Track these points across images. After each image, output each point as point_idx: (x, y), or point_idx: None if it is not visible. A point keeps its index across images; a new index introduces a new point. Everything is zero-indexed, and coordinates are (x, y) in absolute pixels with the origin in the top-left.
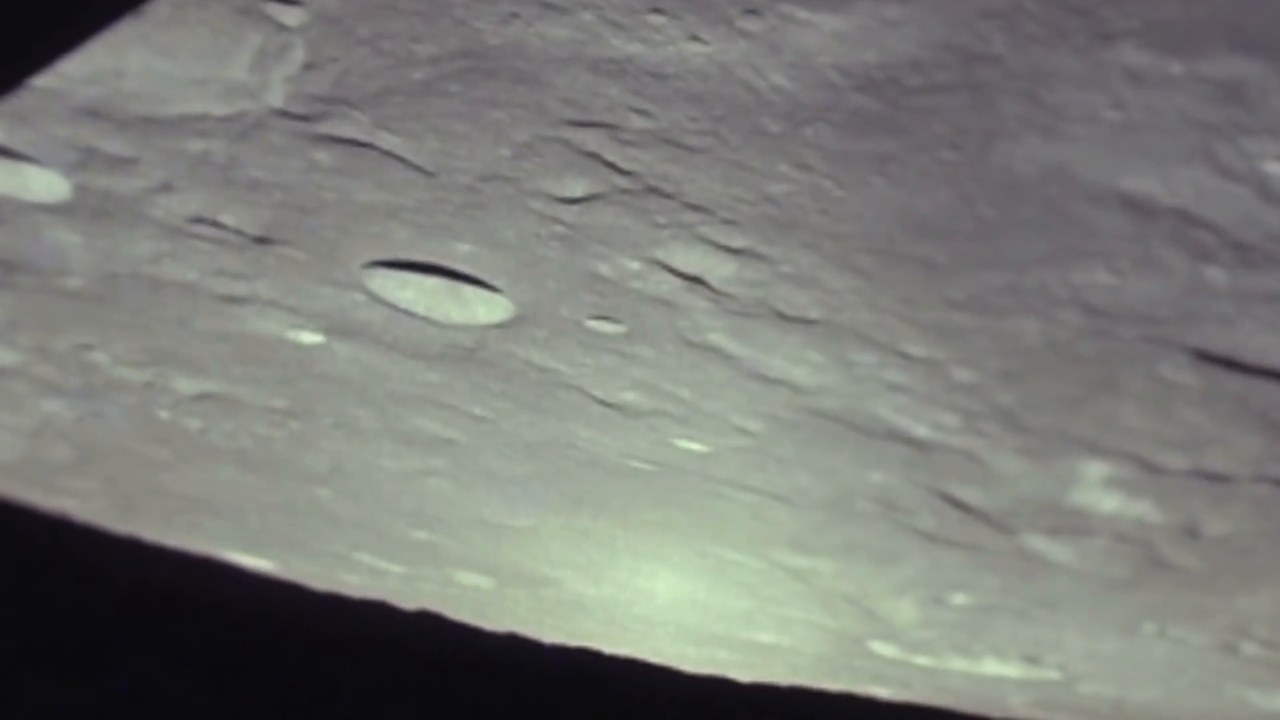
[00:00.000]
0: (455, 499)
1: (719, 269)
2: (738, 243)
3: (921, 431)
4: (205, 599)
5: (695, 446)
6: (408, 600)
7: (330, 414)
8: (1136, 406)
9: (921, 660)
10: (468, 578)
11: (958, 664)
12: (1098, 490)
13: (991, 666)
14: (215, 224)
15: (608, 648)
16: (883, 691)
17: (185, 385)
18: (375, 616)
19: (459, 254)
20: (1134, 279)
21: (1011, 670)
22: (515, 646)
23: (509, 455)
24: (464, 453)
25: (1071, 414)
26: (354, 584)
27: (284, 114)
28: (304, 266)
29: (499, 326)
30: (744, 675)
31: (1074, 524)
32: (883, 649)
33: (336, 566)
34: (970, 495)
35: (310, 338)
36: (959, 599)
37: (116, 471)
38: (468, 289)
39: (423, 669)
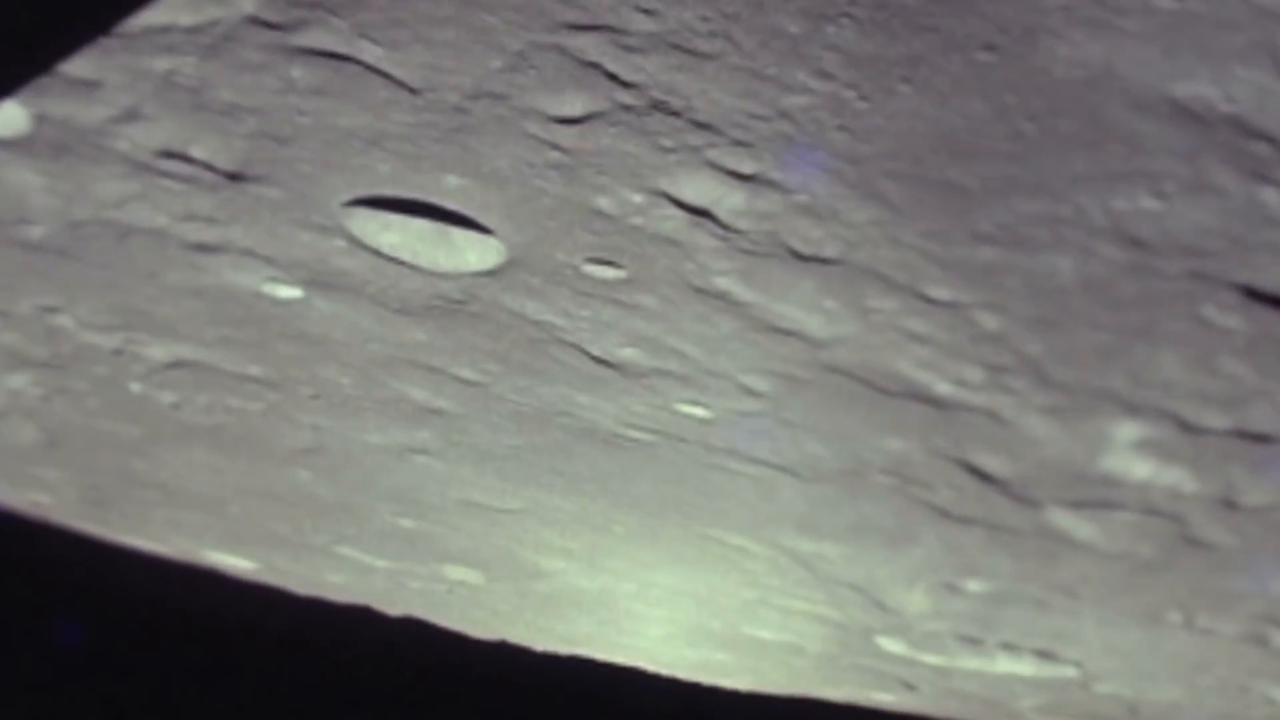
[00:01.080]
0: (443, 478)
1: (728, 199)
2: (748, 168)
3: (943, 389)
4: (189, 607)
5: (698, 411)
6: (394, 600)
7: (310, 382)
8: (1176, 356)
9: (931, 659)
10: (456, 572)
11: (969, 662)
12: (1129, 455)
13: (1004, 664)
14: (185, 158)
15: (602, 651)
16: (887, 697)
17: (157, 351)
18: (360, 623)
19: (448, 188)
20: (1181, 203)
21: (1025, 668)
22: (505, 655)
23: (499, 426)
24: (452, 425)
25: (1105, 366)
26: (338, 584)
27: (256, 22)
28: (280, 207)
29: (490, 274)
30: (743, 680)
31: (1102, 495)
32: (891, 645)
33: (321, 564)
34: (992, 463)
35: (288, 292)
36: (974, 586)
37: (88, 458)
38: (457, 232)
39: (409, 678)
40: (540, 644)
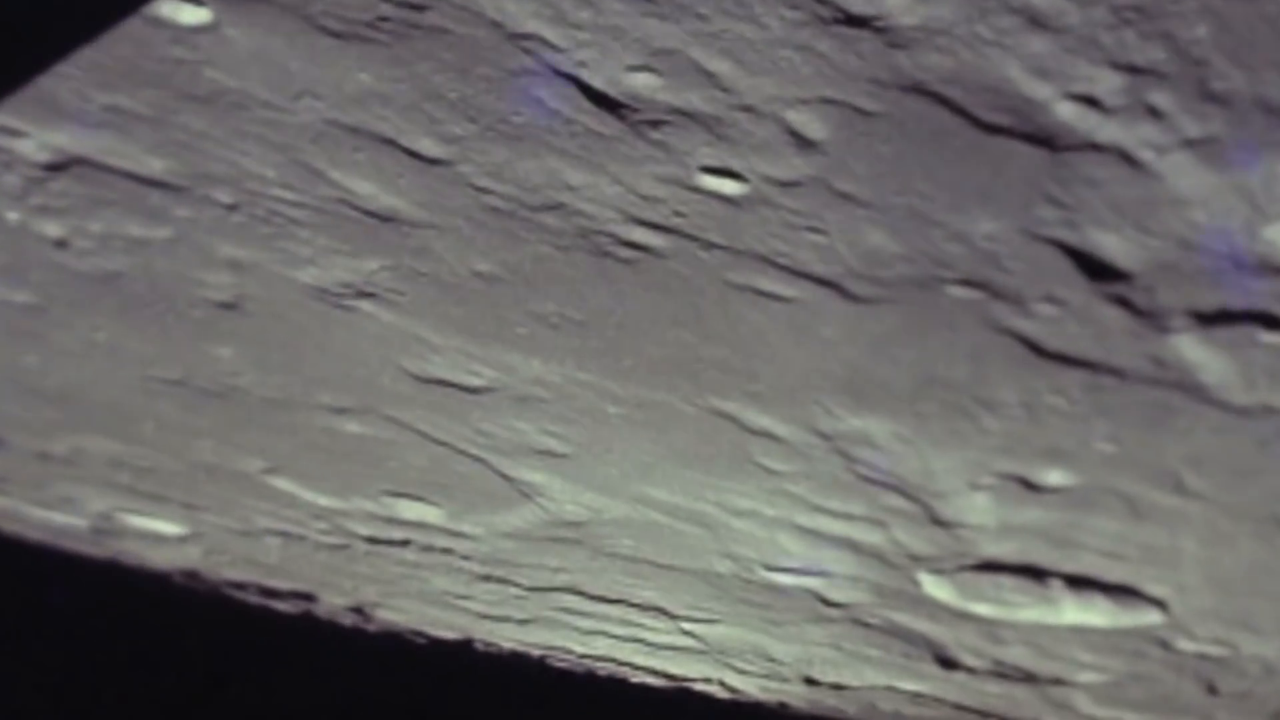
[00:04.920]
0: (395, 341)
1: None
2: None
3: (1063, 112)
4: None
5: (727, 186)
6: (340, 573)
7: (226, 180)
8: None
9: (981, 609)
10: (411, 510)
11: (1028, 612)
12: None
13: (1072, 613)
14: None
15: (587, 598)
16: (915, 686)
17: (30, 147)
18: (303, 627)
19: None
20: None
21: (1098, 615)
22: (468, 657)
23: (467, 240)
24: (407, 243)
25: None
26: (272, 555)
27: None
28: None
29: None
30: (747, 669)
31: (1253, 300)
32: (936, 589)
33: (252, 516)
34: (1111, 246)
35: (194, 14)
36: (1055, 477)
37: None
38: None
39: (359, 687)
40: (508, 635)
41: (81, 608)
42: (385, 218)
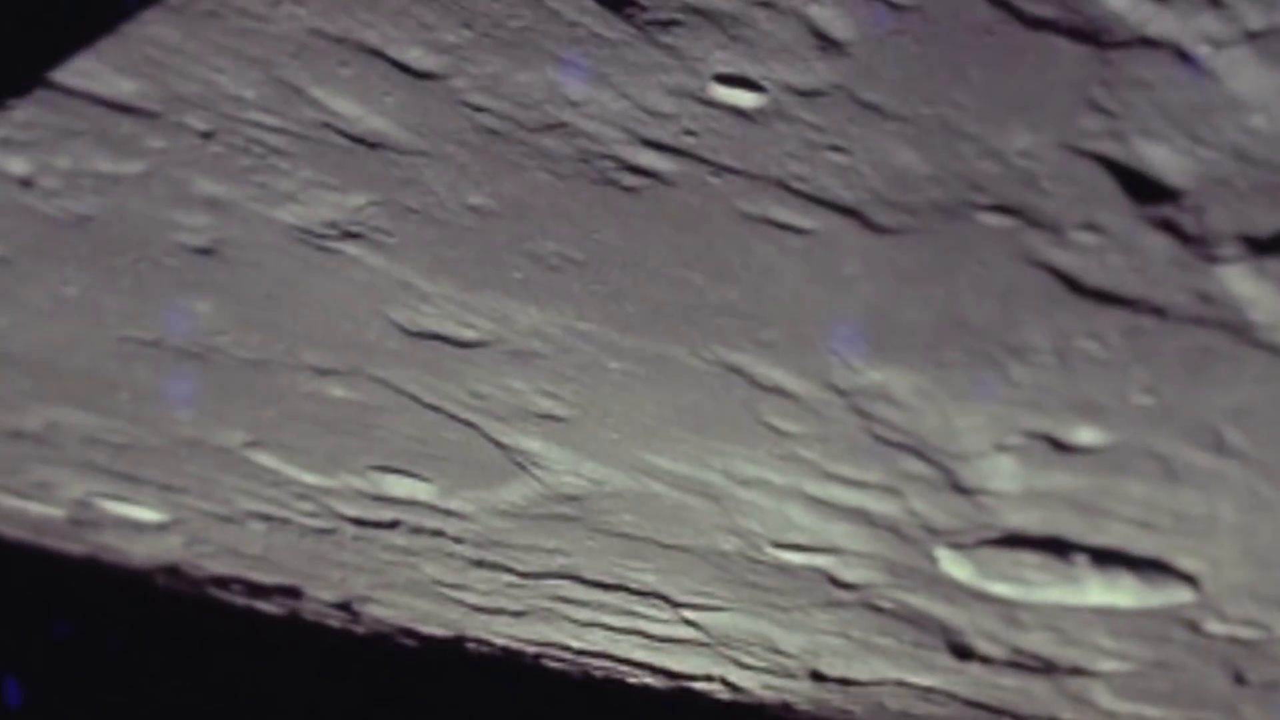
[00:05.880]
0: (383, 290)
1: None
2: None
3: (1115, 0)
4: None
5: (743, 97)
6: (328, 561)
7: (201, 103)
8: None
9: (1001, 589)
10: (399, 486)
11: (1049, 592)
12: None
13: (1097, 592)
14: None
15: (584, 584)
16: (926, 680)
17: None
18: (289, 620)
19: None
20: None
21: (1125, 595)
22: (461, 656)
23: (460, 168)
24: (395, 174)
25: None
26: (256, 543)
27: None
28: None
29: None
30: (749, 662)
31: None
32: (955, 567)
33: (234, 498)
34: (1160, 159)
35: None
36: (1087, 436)
37: None
38: None
39: (346, 686)
40: (502, 630)
41: (68, 616)
42: (372, 144)
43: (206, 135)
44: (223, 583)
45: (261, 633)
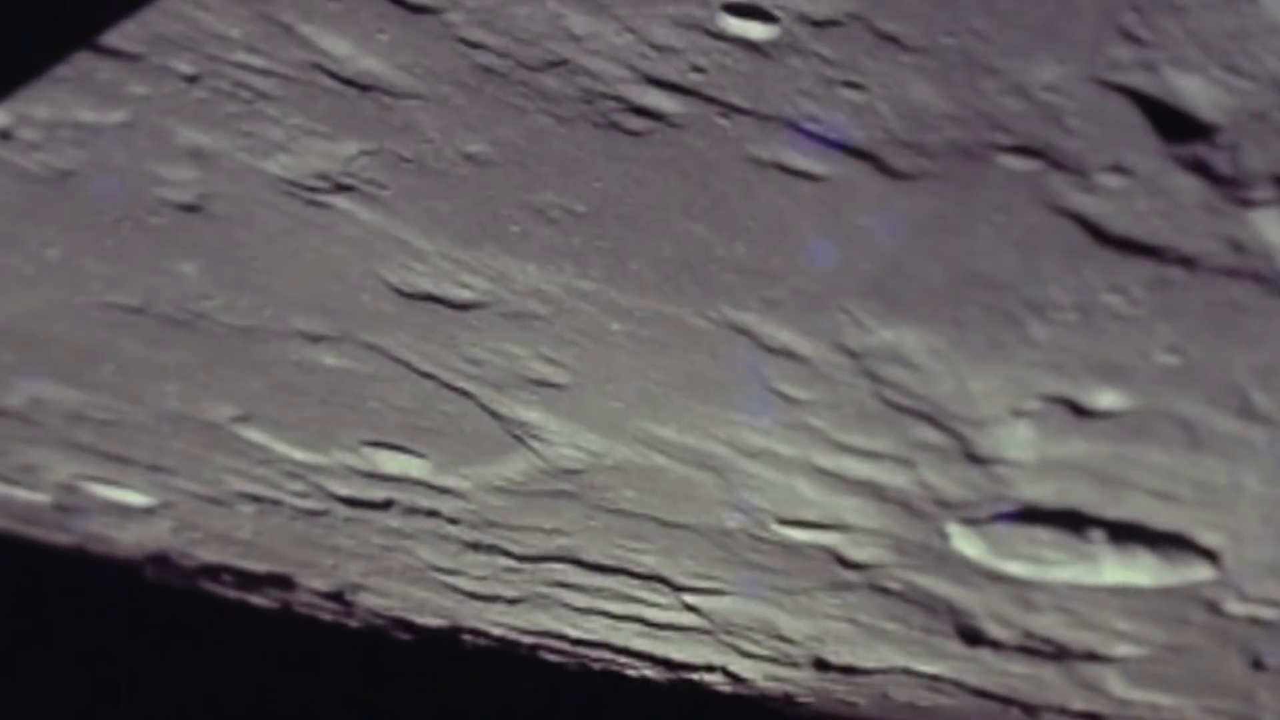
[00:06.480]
0: (376, 249)
1: None
2: None
3: None
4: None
5: (754, 29)
6: (320, 552)
7: (185, 44)
8: None
9: (1014, 568)
10: (393, 463)
11: (1064, 571)
12: None
13: (1114, 570)
14: None
15: (583, 568)
16: (933, 668)
17: None
18: (281, 614)
19: None
20: None
21: (1142, 573)
22: (456, 647)
23: (457, 110)
24: (388, 119)
25: None
26: (246, 528)
27: None
28: None
29: None
30: (752, 649)
31: None
32: (966, 544)
33: (223, 478)
34: (1192, 90)
35: None
36: (1108, 399)
37: None
38: None
39: (340, 680)
40: (498, 619)
41: (52, 603)
42: (364, 86)
43: (191, 79)
44: (213, 572)
45: (253, 626)
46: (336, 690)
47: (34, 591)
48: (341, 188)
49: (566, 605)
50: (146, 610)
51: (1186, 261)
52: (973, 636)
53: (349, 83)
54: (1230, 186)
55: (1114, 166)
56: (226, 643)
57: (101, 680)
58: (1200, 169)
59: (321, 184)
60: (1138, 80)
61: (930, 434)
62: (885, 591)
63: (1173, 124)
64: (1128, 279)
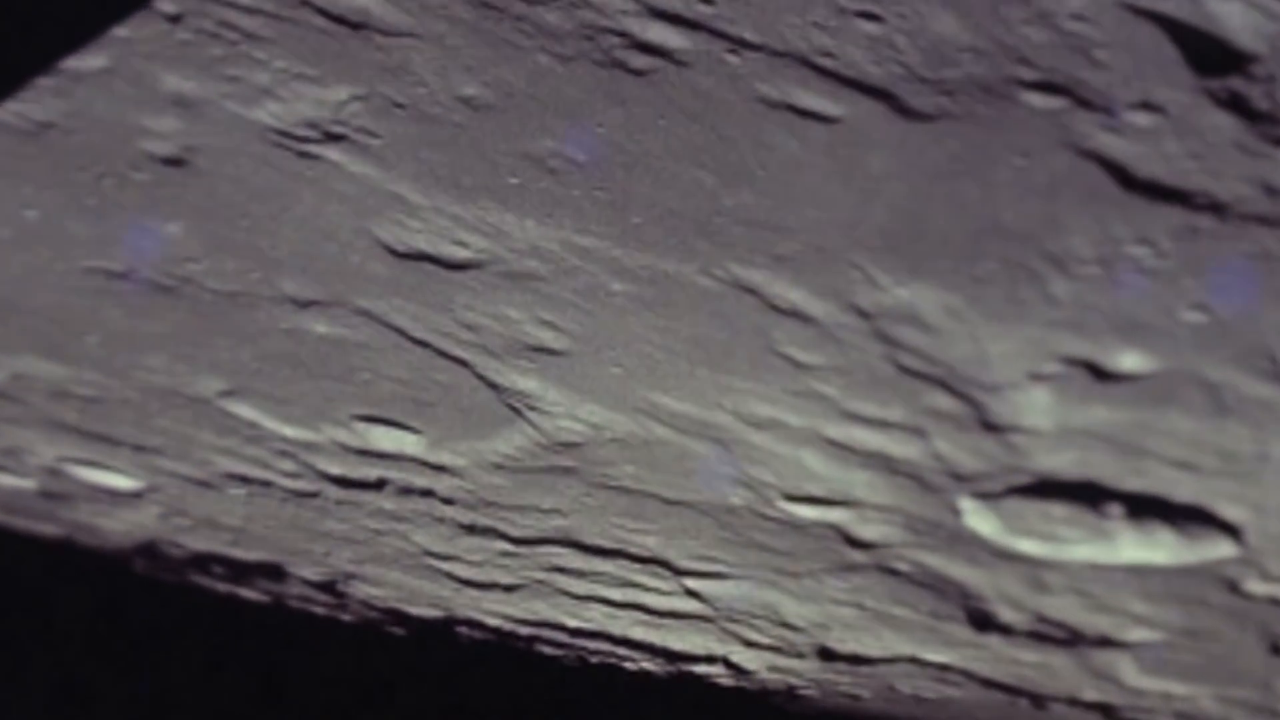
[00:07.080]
0: (368, 204)
1: None
2: None
3: None
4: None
5: None
6: (311, 538)
7: None
8: None
9: (1027, 546)
10: (387, 438)
11: (1080, 550)
12: None
13: (1130, 548)
14: None
15: (582, 551)
16: (942, 657)
17: None
18: (273, 609)
19: None
20: None
21: (1161, 550)
22: (450, 637)
23: (454, 52)
24: (382, 63)
25: None
26: (236, 513)
27: None
28: None
29: None
30: (753, 644)
31: None
32: (978, 521)
33: (212, 458)
34: (1238, 16)
35: None
36: (1130, 361)
37: None
38: None
39: (331, 674)
40: (494, 608)
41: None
42: (355, 24)
43: (174, 19)
44: (202, 563)
45: (243, 619)
46: (330, 687)
47: (21, 584)
48: (332, 137)
49: (564, 592)
50: (135, 606)
51: (1217, 208)
52: (982, 621)
53: (339, 20)
54: (1266, 123)
55: (1143, 103)
56: (217, 639)
57: (91, 677)
58: (1235, 105)
59: (311, 133)
60: (1170, 6)
61: (944, 401)
62: (894, 573)
63: (1207, 54)
64: (1155, 229)
